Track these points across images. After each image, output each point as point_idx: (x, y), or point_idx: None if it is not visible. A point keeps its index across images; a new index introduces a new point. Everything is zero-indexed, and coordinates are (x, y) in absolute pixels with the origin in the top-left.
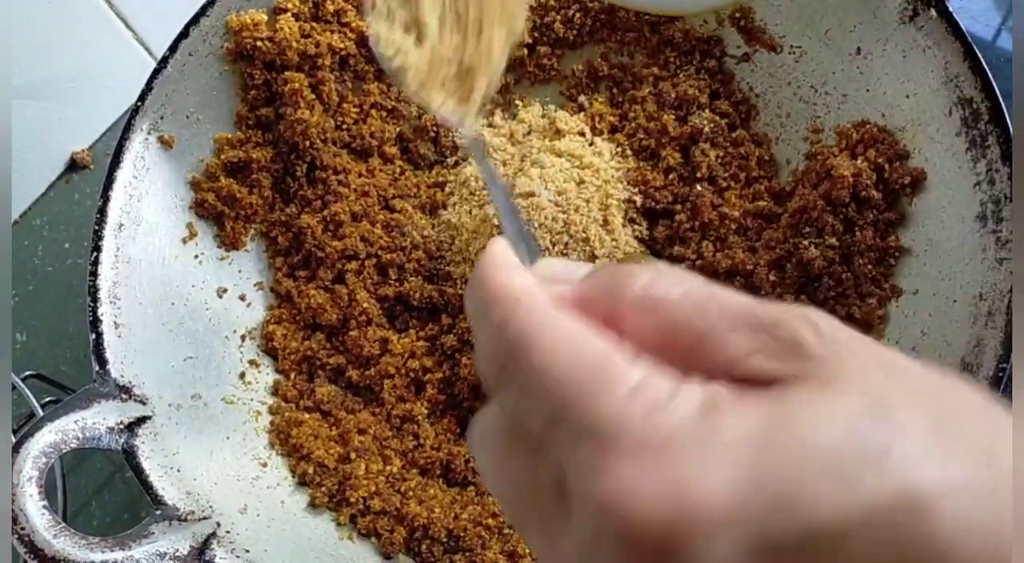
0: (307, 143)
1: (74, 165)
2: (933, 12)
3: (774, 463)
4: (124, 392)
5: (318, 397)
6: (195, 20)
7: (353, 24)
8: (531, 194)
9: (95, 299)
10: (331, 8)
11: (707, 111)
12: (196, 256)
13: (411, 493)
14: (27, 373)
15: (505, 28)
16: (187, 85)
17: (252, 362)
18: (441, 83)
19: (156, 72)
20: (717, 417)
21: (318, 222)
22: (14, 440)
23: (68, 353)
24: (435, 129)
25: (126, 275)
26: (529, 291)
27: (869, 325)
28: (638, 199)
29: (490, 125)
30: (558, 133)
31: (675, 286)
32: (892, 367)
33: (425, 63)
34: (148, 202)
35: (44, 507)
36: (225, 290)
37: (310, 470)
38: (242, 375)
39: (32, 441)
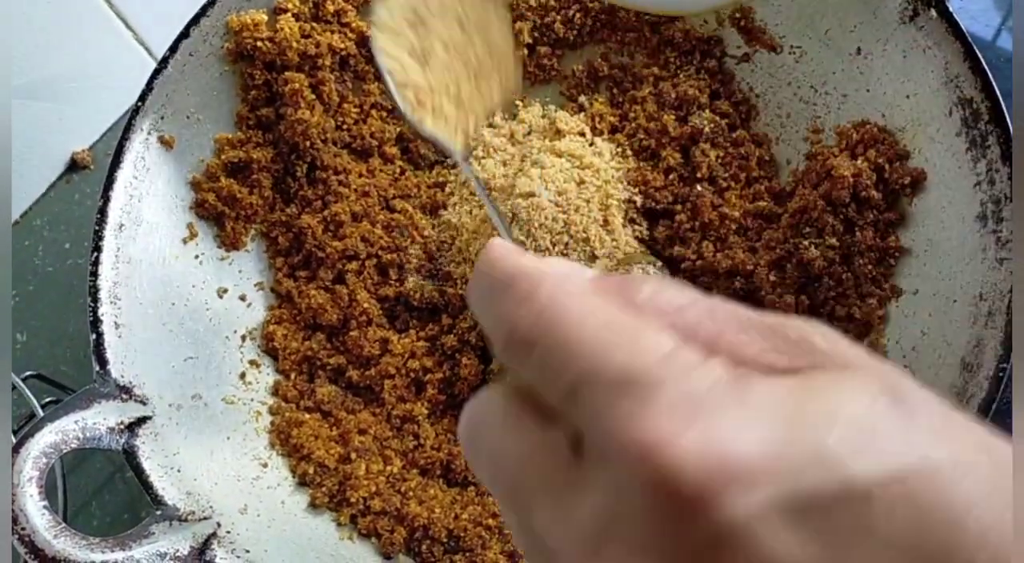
0: (307, 143)
1: (74, 165)
2: (933, 12)
3: (808, 424)
4: (124, 392)
5: (318, 397)
6: (195, 20)
7: (353, 24)
8: (531, 194)
9: (95, 299)
10: (331, 8)
11: (707, 111)
12: (196, 256)
13: (411, 493)
14: (27, 373)
15: (505, 77)
16: (187, 85)
17: (252, 362)
18: (436, 109)
19: (156, 72)
20: (749, 384)
21: (318, 222)
22: (14, 440)
23: (68, 353)
24: None
25: (126, 275)
26: (552, 266)
27: (869, 325)
28: (638, 199)
29: (490, 125)
30: (558, 133)
31: (679, 296)
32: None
33: (426, 84)
34: (148, 202)
35: (44, 507)
36: (225, 290)
37: (310, 470)
38: (242, 375)
39: (32, 441)
